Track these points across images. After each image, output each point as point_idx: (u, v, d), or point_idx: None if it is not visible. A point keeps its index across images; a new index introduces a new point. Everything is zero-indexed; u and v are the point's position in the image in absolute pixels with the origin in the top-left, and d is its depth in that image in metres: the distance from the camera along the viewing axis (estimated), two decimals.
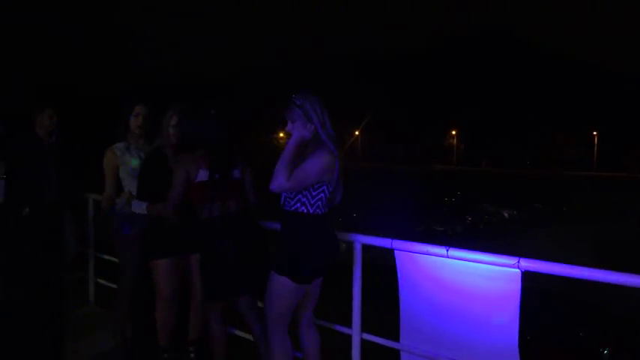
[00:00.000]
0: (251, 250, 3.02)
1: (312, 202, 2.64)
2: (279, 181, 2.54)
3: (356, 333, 2.95)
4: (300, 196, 2.64)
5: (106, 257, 4.66)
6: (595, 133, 75.69)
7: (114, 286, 4.17)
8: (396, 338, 2.82)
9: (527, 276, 2.31)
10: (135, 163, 3.61)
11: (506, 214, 26.85)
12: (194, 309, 3.32)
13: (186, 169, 2.95)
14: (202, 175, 2.95)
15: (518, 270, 2.29)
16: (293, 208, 2.66)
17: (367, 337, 2.94)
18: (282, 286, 2.67)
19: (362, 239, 2.91)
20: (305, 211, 2.64)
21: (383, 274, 4.06)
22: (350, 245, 2.96)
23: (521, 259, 2.29)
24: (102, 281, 4.84)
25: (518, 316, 2.32)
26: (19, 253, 2.50)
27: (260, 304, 3.17)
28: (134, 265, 3.63)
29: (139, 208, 3.16)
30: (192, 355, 3.35)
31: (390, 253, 2.80)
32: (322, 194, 2.65)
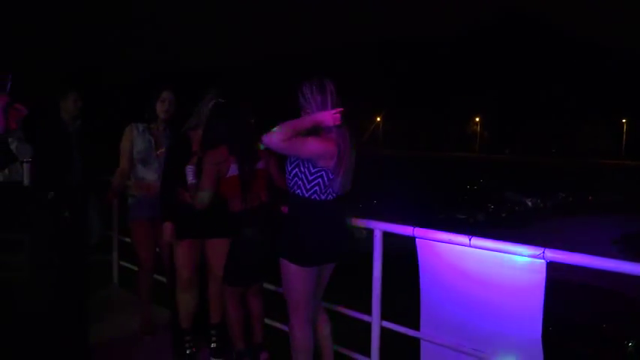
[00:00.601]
0: (274, 237, 3.07)
1: (309, 186, 2.62)
2: (276, 137, 2.49)
3: (376, 321, 2.93)
4: (296, 179, 2.64)
5: (129, 240, 4.73)
6: (624, 121, 73.76)
7: (137, 268, 4.23)
8: (417, 327, 2.80)
9: (550, 266, 2.26)
10: (141, 147, 3.67)
11: (529, 203, 26.46)
12: (214, 293, 3.36)
13: (219, 167, 2.99)
14: (233, 169, 3.01)
15: (543, 260, 2.24)
16: (291, 190, 2.68)
17: (387, 325, 2.93)
18: (286, 268, 2.69)
19: (382, 227, 2.88)
20: (301, 194, 2.64)
21: (403, 262, 4.03)
22: (370, 232, 2.94)
23: (546, 249, 2.24)
24: (125, 264, 4.93)
25: (542, 307, 2.27)
26: (45, 236, 2.55)
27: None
28: (150, 252, 3.73)
29: (190, 175, 3.12)
30: (214, 338, 3.39)
31: (411, 241, 2.76)
32: (319, 179, 2.61)
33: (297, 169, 2.64)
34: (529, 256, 2.28)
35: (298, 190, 2.64)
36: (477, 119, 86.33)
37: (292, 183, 2.66)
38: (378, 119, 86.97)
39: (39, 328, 2.49)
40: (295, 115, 2.64)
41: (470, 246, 2.47)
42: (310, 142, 2.55)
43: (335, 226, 2.72)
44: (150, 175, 3.67)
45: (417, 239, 2.73)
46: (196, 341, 3.41)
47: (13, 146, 2.67)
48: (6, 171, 2.53)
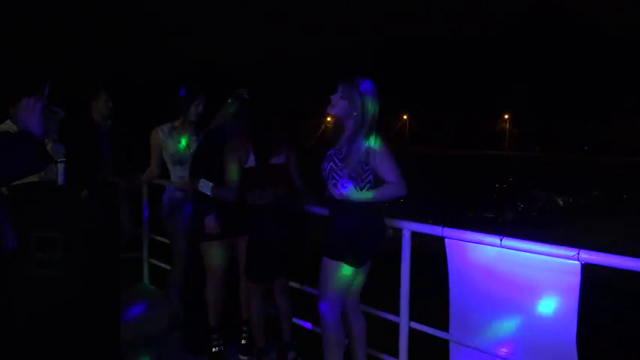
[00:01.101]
0: (294, 235, 3.08)
1: (362, 184, 2.63)
2: (404, 189, 2.63)
3: (404, 321, 2.90)
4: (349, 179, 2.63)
5: (160, 239, 4.80)
6: None
7: (167, 266, 4.29)
8: (445, 328, 2.76)
9: (585, 268, 2.19)
10: (175, 149, 3.69)
11: (560, 202, 25.80)
12: (244, 289, 3.38)
13: (239, 155, 3.01)
14: (252, 160, 3.03)
15: (578, 262, 2.18)
16: (340, 190, 2.65)
17: (415, 325, 2.90)
18: (335, 270, 2.66)
19: (411, 226, 2.85)
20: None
21: (432, 261, 3.98)
22: (398, 232, 2.91)
23: (581, 250, 2.17)
24: (155, 262, 5.00)
25: (577, 310, 2.21)
26: (78, 234, 2.61)
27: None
28: (186, 252, 3.76)
29: (206, 188, 3.18)
30: (244, 335, 3.41)
31: (440, 240, 2.72)
32: (371, 176, 2.64)
33: (346, 170, 2.62)
34: (563, 257, 2.22)
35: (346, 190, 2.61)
36: (507, 116, 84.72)
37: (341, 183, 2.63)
38: (405, 117, 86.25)
39: (72, 323, 2.55)
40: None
41: (501, 246, 2.42)
42: (393, 160, 2.62)
43: (379, 223, 2.74)
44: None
45: (446, 239, 2.69)
46: (223, 339, 3.44)
47: (48, 147, 2.74)
48: (42, 172, 2.59)
